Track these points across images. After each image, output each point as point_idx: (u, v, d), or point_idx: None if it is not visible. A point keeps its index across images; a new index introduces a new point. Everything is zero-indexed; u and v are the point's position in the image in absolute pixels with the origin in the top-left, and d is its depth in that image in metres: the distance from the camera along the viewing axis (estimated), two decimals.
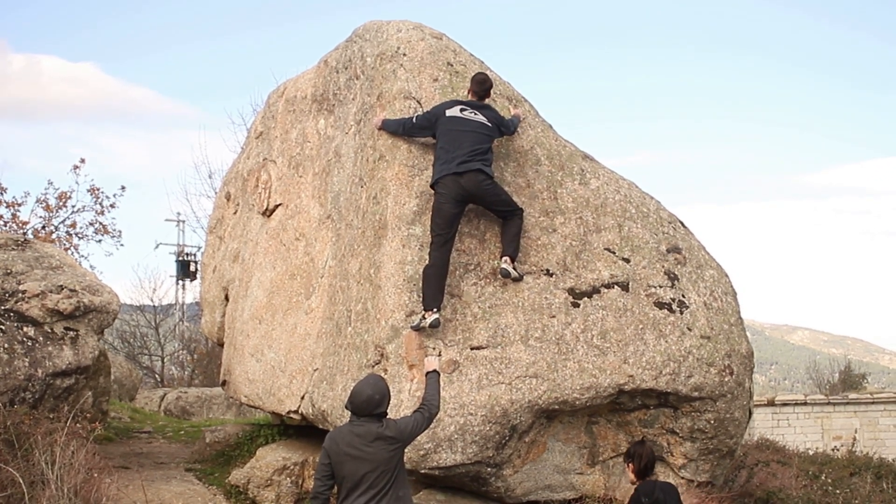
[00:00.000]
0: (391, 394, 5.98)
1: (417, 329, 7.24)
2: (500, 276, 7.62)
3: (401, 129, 7.83)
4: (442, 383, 6.43)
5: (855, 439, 18.31)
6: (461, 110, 7.62)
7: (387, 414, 5.60)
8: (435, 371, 6.12)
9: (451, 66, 8.33)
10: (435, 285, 7.24)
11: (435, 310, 7.19)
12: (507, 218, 7.71)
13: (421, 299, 7.29)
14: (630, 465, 6.57)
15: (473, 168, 7.42)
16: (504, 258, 7.62)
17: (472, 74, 8.09)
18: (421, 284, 7.30)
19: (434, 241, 7.40)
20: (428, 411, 5.79)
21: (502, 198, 7.68)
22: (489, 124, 7.67)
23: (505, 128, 7.94)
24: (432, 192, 7.58)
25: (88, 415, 8.98)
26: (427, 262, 7.37)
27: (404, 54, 8.28)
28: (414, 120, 7.76)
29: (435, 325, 7.17)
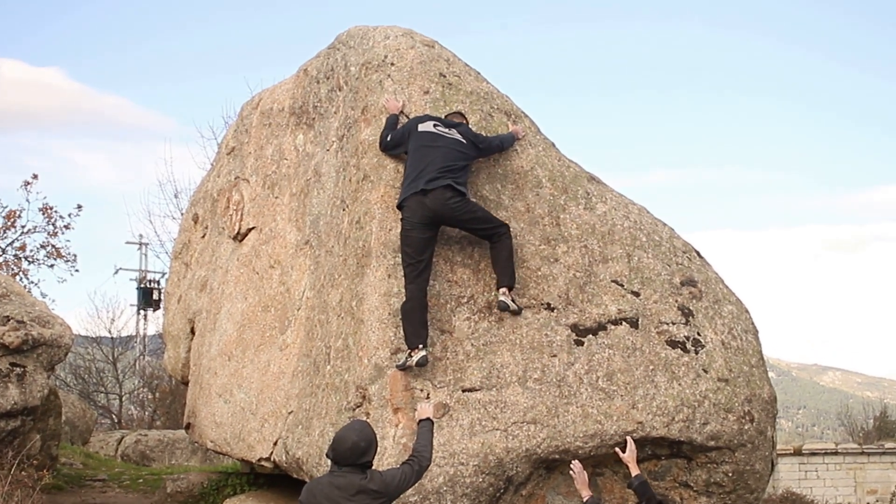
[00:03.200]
0: None
1: (403, 368, 7.23)
2: (497, 309, 7.62)
3: (380, 146, 7.89)
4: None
5: (895, 494, 18.29)
6: (434, 125, 7.66)
7: (372, 464, 5.60)
8: (428, 419, 6.12)
9: (444, 77, 8.39)
10: (417, 321, 7.20)
11: (421, 346, 7.17)
12: (493, 240, 7.61)
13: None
14: None
15: (441, 185, 7.35)
16: (501, 290, 7.59)
17: (467, 86, 8.15)
18: (401, 323, 7.30)
19: (406, 273, 7.33)
20: (418, 464, 5.79)
21: (478, 215, 7.56)
22: (464, 141, 7.65)
23: (484, 143, 7.88)
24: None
25: (36, 461, 8.97)
26: (404, 298, 7.34)
27: (392, 63, 8.34)
28: (388, 138, 7.81)
29: (422, 363, 7.15)
